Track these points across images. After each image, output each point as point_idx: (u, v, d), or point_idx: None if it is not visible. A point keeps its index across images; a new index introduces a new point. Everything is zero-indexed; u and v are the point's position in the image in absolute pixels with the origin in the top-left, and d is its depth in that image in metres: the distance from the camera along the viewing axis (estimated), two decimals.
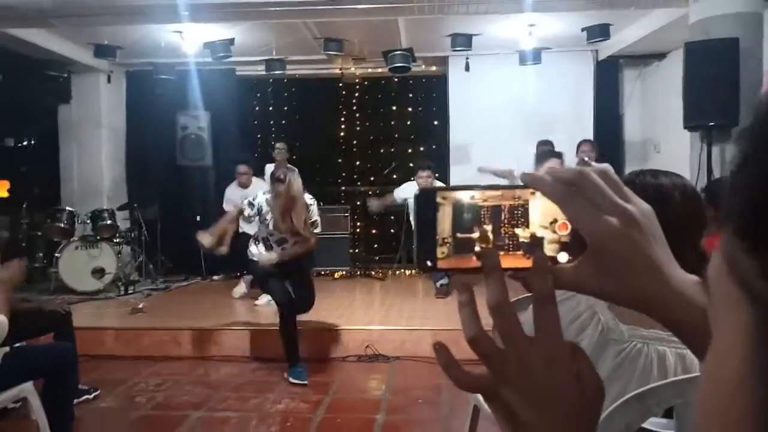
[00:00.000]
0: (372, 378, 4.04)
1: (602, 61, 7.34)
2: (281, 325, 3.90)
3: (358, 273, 7.26)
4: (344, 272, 7.27)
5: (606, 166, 0.58)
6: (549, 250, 0.49)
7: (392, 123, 8.16)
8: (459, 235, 0.48)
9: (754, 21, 4.62)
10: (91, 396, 3.56)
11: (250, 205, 4.02)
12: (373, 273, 7.26)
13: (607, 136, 7.21)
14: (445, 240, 0.48)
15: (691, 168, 4.88)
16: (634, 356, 1.21)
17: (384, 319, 4.91)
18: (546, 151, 5.11)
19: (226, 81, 7.51)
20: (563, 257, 0.48)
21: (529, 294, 0.43)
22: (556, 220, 0.48)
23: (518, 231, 0.49)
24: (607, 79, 7.43)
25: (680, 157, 5.27)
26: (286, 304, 3.92)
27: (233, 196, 5.95)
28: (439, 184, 5.97)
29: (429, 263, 0.47)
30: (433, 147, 7.80)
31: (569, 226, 0.48)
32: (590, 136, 7.06)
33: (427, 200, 0.48)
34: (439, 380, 3.81)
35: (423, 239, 0.48)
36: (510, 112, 7.06)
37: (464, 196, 0.49)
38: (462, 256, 0.48)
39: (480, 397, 0.44)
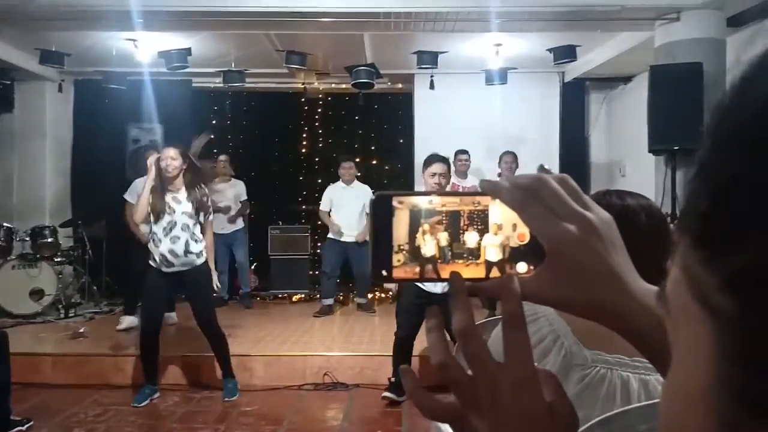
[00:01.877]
0: (330, 407, 3.99)
1: (568, 82, 7.56)
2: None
3: (318, 296, 7.19)
4: (303, 295, 7.20)
5: (564, 175, 0.59)
6: (508, 258, 0.49)
7: (356, 140, 8.19)
8: (416, 242, 0.49)
9: (718, 47, 4.83)
10: (24, 427, 3.44)
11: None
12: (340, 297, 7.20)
13: (573, 158, 7.40)
14: (401, 247, 0.48)
15: (656, 192, 5.03)
16: (597, 382, 1.21)
17: (344, 345, 4.88)
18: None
19: (182, 92, 7.42)
20: (522, 267, 0.49)
21: (491, 318, 0.43)
22: (516, 226, 0.49)
23: (476, 237, 0.50)
24: (574, 101, 7.65)
25: (645, 181, 5.43)
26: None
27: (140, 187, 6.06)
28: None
29: (384, 273, 0.48)
30: (398, 166, 7.85)
31: (527, 236, 0.49)
32: (556, 157, 7.23)
33: (382, 205, 0.49)
34: (399, 409, 3.78)
35: (378, 247, 0.48)
36: (476, 131, 7.16)
37: (422, 202, 0.49)
38: (419, 264, 0.49)
39: (445, 427, 0.44)
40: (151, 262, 3.89)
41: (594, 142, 7.84)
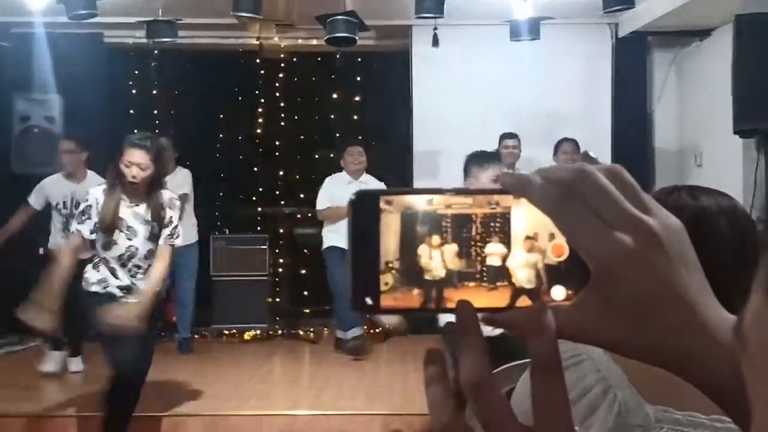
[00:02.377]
0: None
1: (624, 38, 7.57)
2: (118, 405, 3.81)
3: (280, 332, 7.23)
4: (260, 331, 7.18)
5: (617, 166, 0.61)
6: (538, 280, 0.50)
7: (332, 117, 8.18)
8: (411, 258, 0.50)
9: None
10: None
11: (83, 214, 3.82)
12: (301, 332, 7.20)
13: (631, 142, 7.40)
14: (391, 265, 0.49)
15: (745, 186, 5.07)
16: None
17: (315, 400, 4.88)
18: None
19: (89, 51, 7.35)
20: (558, 293, 0.50)
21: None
22: (553, 236, 0.50)
23: (495, 251, 0.51)
24: (631, 64, 7.65)
25: (729, 172, 5.47)
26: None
27: (52, 189, 5.53)
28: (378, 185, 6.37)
29: (368, 301, 0.49)
30: (390, 151, 7.85)
31: (566, 250, 0.50)
32: (606, 141, 7.26)
33: (365, 208, 0.50)
34: None
35: (359, 265, 0.49)
36: (496, 105, 7.17)
37: (419, 203, 0.50)
38: (415, 288, 0.50)
39: None
40: (96, 289, 3.86)
41: (659, 119, 7.82)
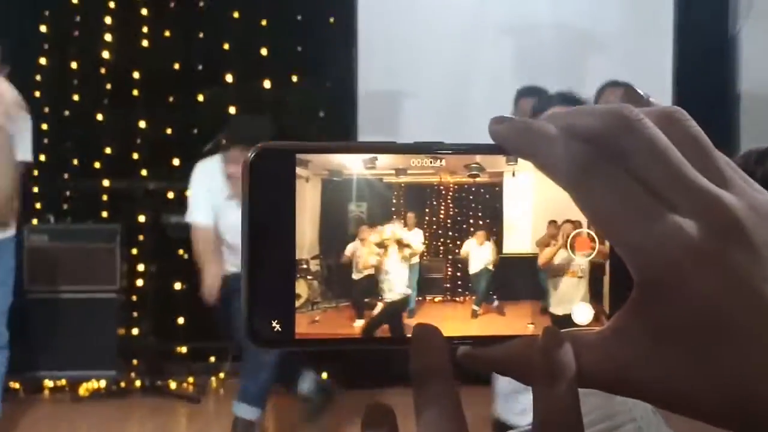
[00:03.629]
0: None
1: None
2: None
3: (138, 384, 7.15)
4: (105, 382, 7.13)
5: (676, 110, 0.61)
6: (555, 295, 0.51)
7: (232, 38, 8.13)
8: (342, 255, 0.51)
9: None
10: None
11: None
12: (172, 384, 7.18)
13: (703, 81, 7.46)
14: (309, 267, 0.50)
15: None
16: None
17: None
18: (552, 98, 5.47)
19: None
20: (583, 313, 0.51)
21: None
22: (575, 223, 0.51)
23: (476, 247, 0.51)
24: None
25: None
26: None
27: None
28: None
29: (274, 325, 0.50)
30: (325, 89, 7.86)
31: (595, 243, 0.51)
32: (666, 77, 7.33)
33: (269, 175, 0.50)
34: None
35: (259, 267, 0.50)
36: (492, 28, 7.24)
37: (354, 166, 0.51)
38: (351, 307, 0.51)
39: None
40: None
41: (748, 49, 7.88)
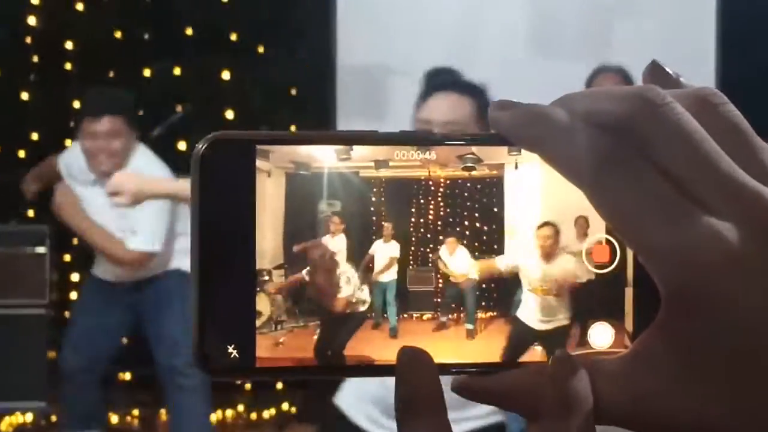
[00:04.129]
0: None
1: None
2: None
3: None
4: (32, 416, 7.15)
5: (711, 92, 0.60)
6: (561, 311, 0.52)
7: (186, 1, 8.14)
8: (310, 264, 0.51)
9: None
10: None
11: None
12: (113, 417, 7.23)
13: (755, 58, 7.50)
14: (272, 279, 0.51)
15: None
16: None
17: None
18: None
19: None
20: (601, 335, 0.51)
21: None
22: (589, 225, 0.51)
23: (468, 252, 0.51)
24: None
25: None
26: None
27: None
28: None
29: (232, 350, 0.50)
30: (298, 62, 7.86)
31: (616, 251, 0.51)
32: (707, 49, 7.36)
33: (224, 169, 0.50)
34: None
35: (211, 280, 0.50)
36: None
37: (325, 157, 0.51)
38: (321, 326, 0.51)
39: None
40: None
41: None
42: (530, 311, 0.52)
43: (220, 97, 7.27)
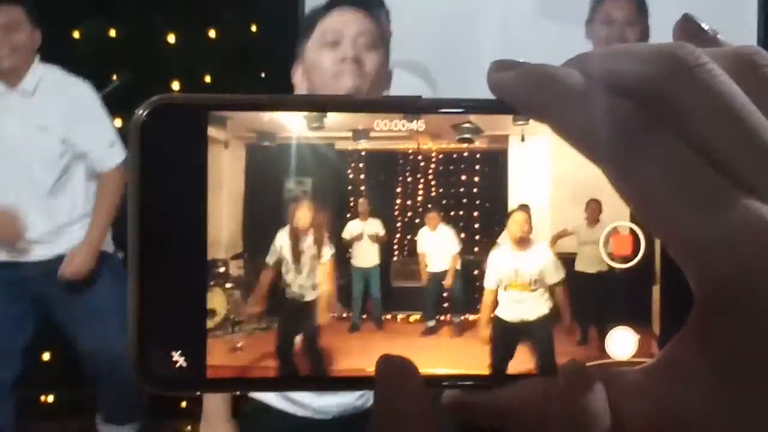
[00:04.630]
0: None
1: None
2: None
3: None
4: None
5: (754, 49, 0.58)
6: (574, 313, 0.51)
7: None
8: (272, 253, 0.51)
9: None
10: None
11: None
12: None
13: None
14: (228, 271, 0.50)
15: None
16: None
17: None
18: None
19: None
20: (621, 341, 0.51)
21: None
22: (596, 208, 0.51)
23: (457, 235, 0.51)
24: None
25: None
26: None
27: None
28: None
29: (178, 358, 0.50)
30: (256, 21, 7.84)
31: (640, 243, 0.51)
32: (750, 5, 7.35)
33: (170, 138, 0.50)
34: None
35: (154, 273, 0.49)
36: None
37: (294, 126, 0.50)
38: (283, 330, 0.51)
39: None
40: None
41: None
42: (533, 308, 0.53)
43: (165, 64, 7.24)
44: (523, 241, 0.52)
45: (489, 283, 0.52)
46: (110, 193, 5.57)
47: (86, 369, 6.06)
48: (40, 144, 5.44)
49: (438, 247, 0.52)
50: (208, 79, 6.92)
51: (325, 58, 3.27)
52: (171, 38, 7.26)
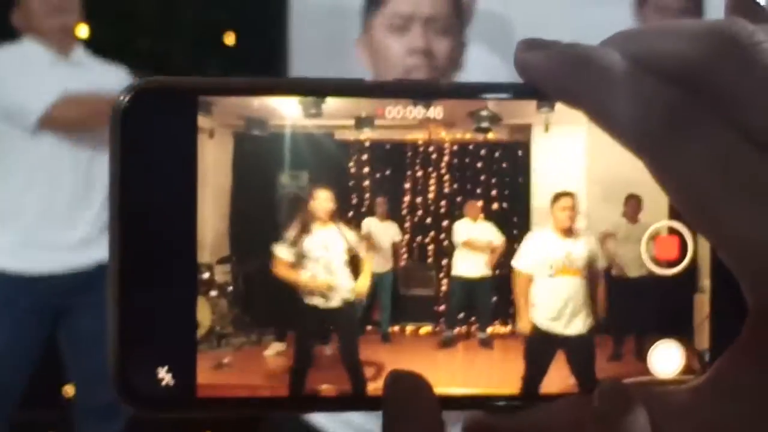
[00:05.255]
0: None
1: None
2: None
3: None
4: None
5: None
6: (611, 323, 0.49)
7: None
8: (269, 256, 0.48)
9: None
10: None
11: None
12: None
13: None
14: (214, 278, 0.48)
15: None
16: None
17: None
18: None
19: None
20: (665, 356, 0.49)
21: None
22: (638, 206, 0.48)
23: (489, 246, 0.50)
24: None
25: None
26: None
27: None
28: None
29: (164, 375, 0.47)
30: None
31: (688, 245, 0.48)
32: None
33: (153, 127, 0.48)
34: None
35: (136, 280, 0.47)
36: None
37: (288, 112, 0.48)
38: (277, 337, 0.49)
39: None
40: None
41: None
42: (547, 308, 0.50)
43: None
44: (570, 230, 0.50)
45: (525, 266, 0.51)
46: None
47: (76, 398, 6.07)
48: None
49: (478, 233, 0.50)
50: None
51: (393, 45, 3.11)
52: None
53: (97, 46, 5.94)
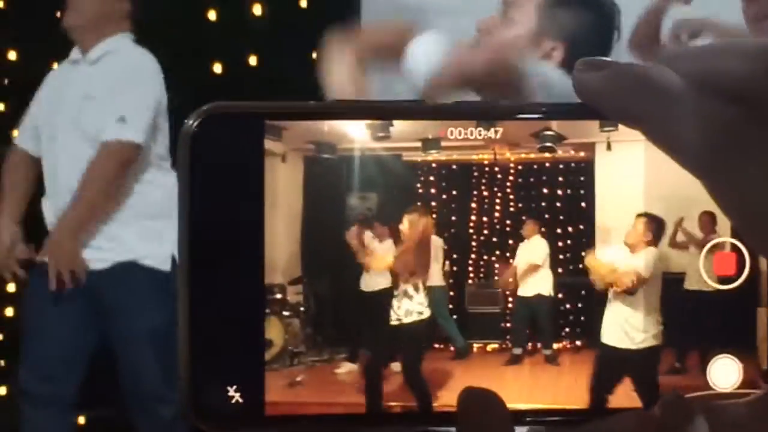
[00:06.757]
0: None
1: None
2: None
3: None
4: None
5: None
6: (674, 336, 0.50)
7: None
8: (336, 274, 0.50)
9: None
10: None
11: None
12: None
13: None
14: (286, 298, 0.49)
15: None
16: None
17: None
18: None
19: None
20: (725, 371, 0.49)
21: None
22: (714, 228, 0.49)
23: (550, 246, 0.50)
24: None
25: None
26: None
27: None
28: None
29: (233, 393, 0.48)
30: None
31: (745, 261, 0.49)
32: None
33: (223, 150, 0.48)
34: None
35: (207, 300, 0.47)
36: None
37: (356, 135, 0.48)
38: (347, 356, 0.49)
39: None
40: None
41: None
42: (616, 325, 0.50)
43: (204, 44, 7.29)
44: (638, 246, 0.51)
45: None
46: (99, 167, 4.66)
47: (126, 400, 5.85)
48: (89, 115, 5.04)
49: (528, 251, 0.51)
50: (253, 61, 6.85)
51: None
52: (212, 15, 7.21)
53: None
